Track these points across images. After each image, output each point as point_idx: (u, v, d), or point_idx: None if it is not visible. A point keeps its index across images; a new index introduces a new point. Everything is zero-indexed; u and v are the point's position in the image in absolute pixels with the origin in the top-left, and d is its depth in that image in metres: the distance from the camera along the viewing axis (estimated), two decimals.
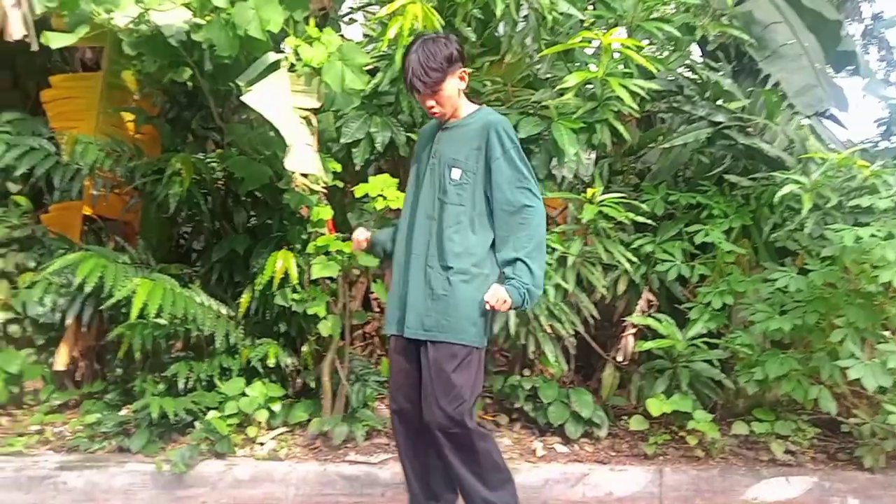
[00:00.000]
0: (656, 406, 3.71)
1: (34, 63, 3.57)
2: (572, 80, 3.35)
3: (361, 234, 2.94)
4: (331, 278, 3.67)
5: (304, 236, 3.74)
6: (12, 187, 4.59)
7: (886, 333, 3.64)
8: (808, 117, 4.94)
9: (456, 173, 2.58)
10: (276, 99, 2.85)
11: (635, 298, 4.11)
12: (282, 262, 3.50)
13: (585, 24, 3.88)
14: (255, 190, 3.76)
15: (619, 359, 4.08)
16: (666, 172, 4.48)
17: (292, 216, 3.68)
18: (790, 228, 3.87)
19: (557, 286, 3.63)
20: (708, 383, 3.87)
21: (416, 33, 3.38)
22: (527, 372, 4.07)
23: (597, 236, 3.76)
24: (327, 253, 3.53)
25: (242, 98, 2.79)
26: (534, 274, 2.53)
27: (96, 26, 2.62)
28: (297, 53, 2.96)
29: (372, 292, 4.52)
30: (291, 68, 3.00)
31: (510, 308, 2.54)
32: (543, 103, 3.60)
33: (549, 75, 4.02)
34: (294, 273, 3.52)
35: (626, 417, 4.08)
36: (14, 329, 4.26)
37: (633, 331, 4.06)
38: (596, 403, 3.93)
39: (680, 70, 4.59)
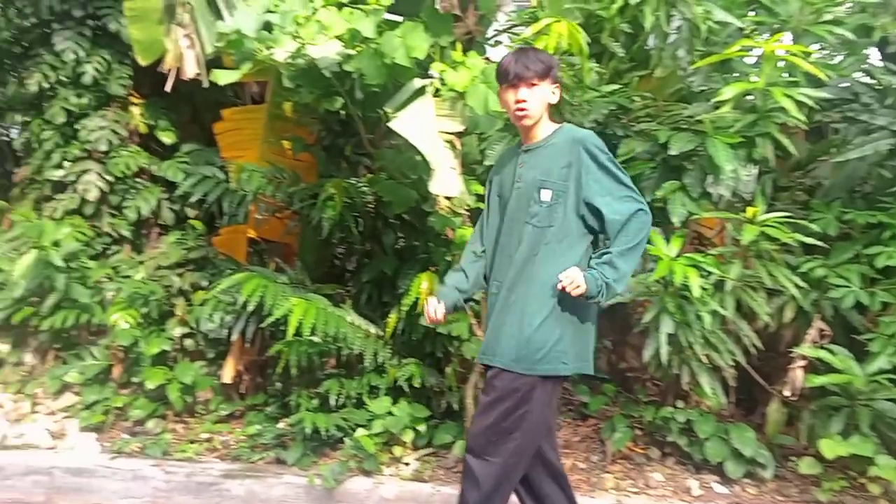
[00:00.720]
0: (831, 448, 3.33)
1: (210, 98, 3.92)
2: (730, 91, 3.12)
3: (435, 309, 2.70)
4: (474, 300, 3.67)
5: (448, 258, 3.77)
6: (189, 212, 5.08)
7: None
8: None
9: (546, 194, 2.48)
10: (422, 124, 2.91)
11: (805, 327, 3.73)
12: (426, 284, 3.55)
13: (745, 32, 3.62)
14: (402, 212, 3.85)
15: (787, 394, 3.71)
16: (840, 188, 4.05)
17: (437, 238, 3.72)
18: None
19: (714, 312, 3.38)
20: (893, 425, 3.42)
21: (561, 52, 3.34)
22: (680, 403, 3.82)
23: (759, 259, 3.46)
24: None
25: (390, 124, 2.87)
26: (618, 269, 2.40)
27: (259, 62, 2.81)
28: (442, 78, 3.01)
29: None
30: (437, 93, 3.04)
31: (582, 295, 2.37)
32: (698, 118, 3.40)
33: (703, 88, 3.78)
34: None
35: (794, 459, 3.71)
36: (189, 343, 4.66)
37: (803, 363, 3.68)
38: (759, 441, 3.61)
39: (856, 76, 4.16)
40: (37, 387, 4.58)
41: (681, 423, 3.67)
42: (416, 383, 3.86)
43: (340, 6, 2.80)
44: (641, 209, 2.45)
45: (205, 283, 4.75)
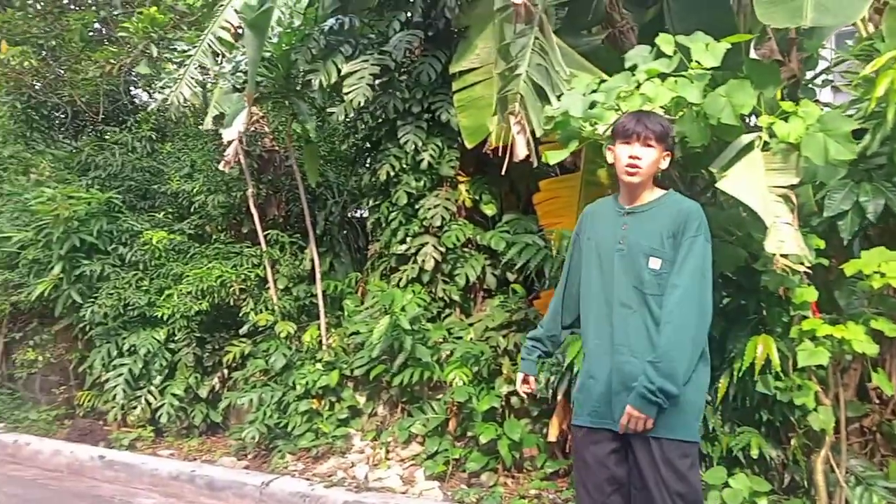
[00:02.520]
0: None
1: (525, 170, 4.22)
2: None
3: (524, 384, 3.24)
4: (820, 366, 3.32)
5: (785, 319, 3.49)
6: (509, 276, 5.44)
7: None
8: None
9: (655, 263, 2.51)
10: (751, 181, 2.79)
11: None
12: (762, 347, 3.32)
13: None
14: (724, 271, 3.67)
15: None
16: None
17: (770, 297, 3.47)
18: None
19: None
20: None
21: None
22: None
23: None
24: (814, 338, 3.22)
25: (717, 185, 2.80)
26: (659, 370, 2.47)
27: (584, 139, 2.97)
28: (770, 131, 2.86)
29: (868, 380, 3.92)
30: (765, 146, 2.90)
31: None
32: None
33: None
34: (776, 359, 3.30)
35: None
36: (514, 400, 4.93)
37: None
38: None
39: None
40: (388, 436, 5.22)
41: None
42: (754, 454, 3.58)
43: (663, 77, 2.84)
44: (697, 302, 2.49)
45: None
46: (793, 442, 3.56)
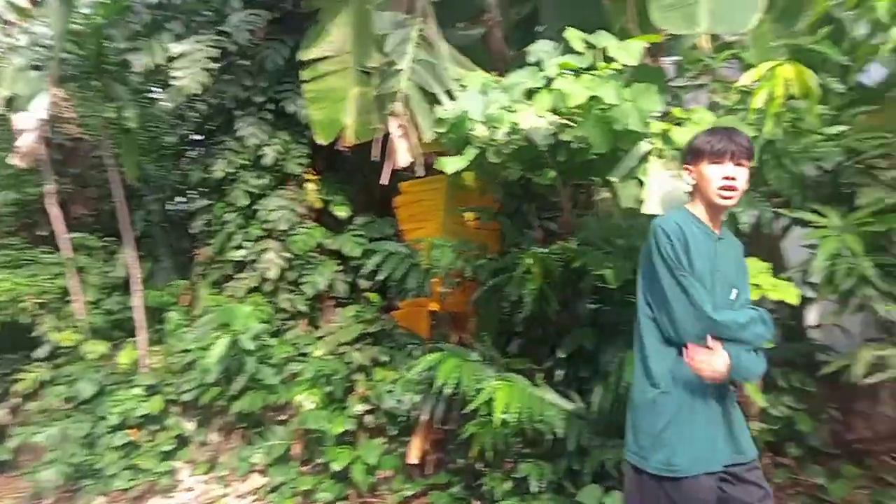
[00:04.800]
0: None
1: (380, 168, 3.89)
2: None
3: None
4: None
5: None
6: (362, 283, 5.02)
7: None
8: None
9: (734, 294, 2.37)
10: (663, 190, 2.63)
11: None
12: None
13: None
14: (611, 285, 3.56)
15: None
16: None
17: None
18: None
19: None
20: None
21: (789, 96, 2.99)
22: None
23: None
24: None
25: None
26: None
27: (479, 144, 2.65)
28: (665, 137, 2.73)
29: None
30: (659, 154, 2.76)
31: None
32: None
33: None
34: None
35: None
36: (369, 419, 4.54)
37: None
38: None
39: None
40: (225, 468, 4.59)
41: None
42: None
43: (577, 73, 2.60)
44: None
45: (384, 358, 4.65)
46: None
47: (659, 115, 2.76)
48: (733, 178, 2.26)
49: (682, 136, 2.65)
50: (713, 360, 2.19)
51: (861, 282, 3.21)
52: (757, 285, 3.09)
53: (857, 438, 4.11)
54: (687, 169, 2.37)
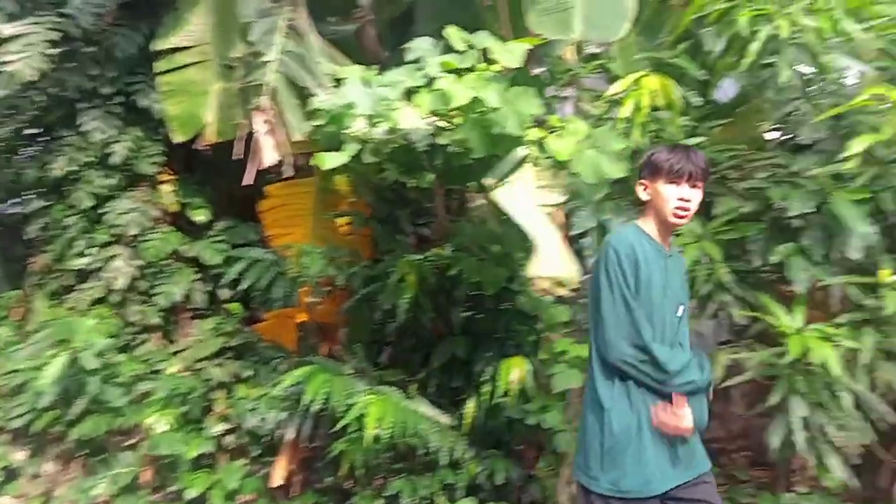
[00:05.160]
0: None
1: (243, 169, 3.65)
2: (859, 144, 2.81)
3: None
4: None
5: (533, 338, 3.41)
6: (222, 293, 4.68)
7: None
8: None
9: (681, 310, 2.36)
10: (525, 197, 2.59)
11: None
12: (518, 372, 3.18)
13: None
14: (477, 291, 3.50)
15: None
16: None
17: (525, 318, 3.36)
18: None
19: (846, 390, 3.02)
20: None
21: (653, 107, 3.08)
22: (801, 487, 3.43)
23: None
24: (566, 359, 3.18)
25: (497, 197, 2.54)
26: None
27: (358, 141, 2.49)
28: (541, 145, 2.70)
29: None
30: (535, 162, 2.73)
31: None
32: (811, 173, 3.09)
33: (813, 140, 3.40)
34: (531, 383, 3.19)
35: None
36: (229, 440, 4.23)
37: None
38: None
39: None
40: (62, 502, 4.11)
41: None
42: (500, 479, 3.45)
43: (459, 72, 2.49)
44: None
45: (247, 374, 4.34)
46: (540, 464, 3.50)
47: (534, 123, 2.74)
48: (688, 200, 2.25)
49: (557, 145, 2.63)
50: (680, 420, 2.17)
51: (718, 287, 3.35)
52: None
53: (712, 438, 4.32)
54: (642, 184, 2.33)
